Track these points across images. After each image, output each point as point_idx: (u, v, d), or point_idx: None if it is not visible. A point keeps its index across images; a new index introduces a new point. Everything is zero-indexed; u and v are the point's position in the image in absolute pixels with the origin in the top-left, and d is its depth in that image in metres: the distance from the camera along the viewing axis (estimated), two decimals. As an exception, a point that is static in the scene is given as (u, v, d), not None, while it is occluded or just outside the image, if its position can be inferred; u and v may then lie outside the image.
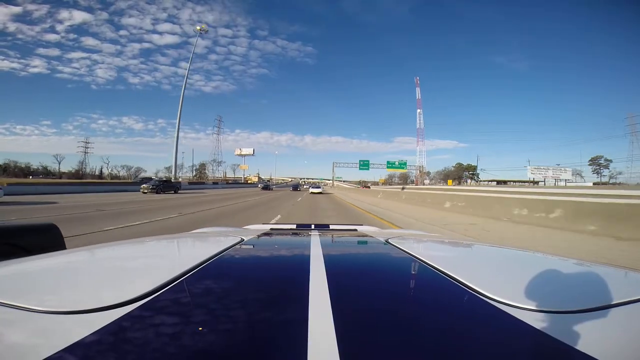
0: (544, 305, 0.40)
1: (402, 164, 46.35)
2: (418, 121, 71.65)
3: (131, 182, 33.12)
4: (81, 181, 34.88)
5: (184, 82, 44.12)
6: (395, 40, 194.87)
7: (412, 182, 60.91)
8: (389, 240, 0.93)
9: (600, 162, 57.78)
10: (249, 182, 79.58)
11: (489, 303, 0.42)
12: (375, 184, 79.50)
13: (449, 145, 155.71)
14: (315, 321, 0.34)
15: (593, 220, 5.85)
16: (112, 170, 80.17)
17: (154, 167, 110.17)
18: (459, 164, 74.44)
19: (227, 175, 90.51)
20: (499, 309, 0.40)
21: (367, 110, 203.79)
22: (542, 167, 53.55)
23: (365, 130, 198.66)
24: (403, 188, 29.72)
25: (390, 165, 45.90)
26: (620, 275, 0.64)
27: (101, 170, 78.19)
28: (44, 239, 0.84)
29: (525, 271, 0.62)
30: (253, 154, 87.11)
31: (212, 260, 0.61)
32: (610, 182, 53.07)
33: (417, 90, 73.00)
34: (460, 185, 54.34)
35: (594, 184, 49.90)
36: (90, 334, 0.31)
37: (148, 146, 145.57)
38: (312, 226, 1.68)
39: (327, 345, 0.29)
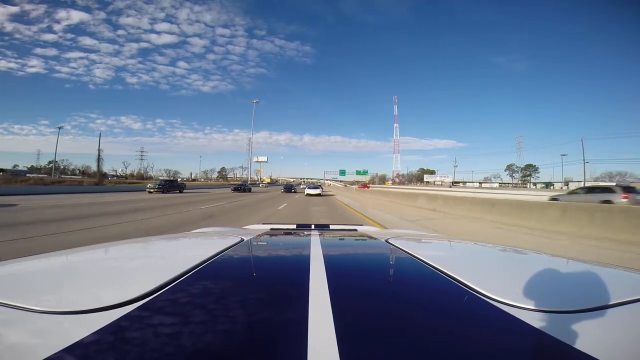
0: (544, 305, 0.41)
1: (365, 172, 73.06)
2: (395, 134, 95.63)
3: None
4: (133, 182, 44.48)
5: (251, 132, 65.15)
6: (393, 40, 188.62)
7: (389, 181, 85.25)
8: (389, 240, 0.93)
9: (513, 168, 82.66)
10: (264, 182, 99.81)
11: (489, 303, 0.42)
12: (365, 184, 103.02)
13: (447, 145, 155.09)
14: (315, 321, 0.34)
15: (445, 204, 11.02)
16: (155, 173, 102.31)
17: (194, 170, 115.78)
18: (421, 169, 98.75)
19: (247, 177, 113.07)
20: (499, 309, 0.40)
21: (366, 109, 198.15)
22: (432, 175, 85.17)
23: (363, 129, 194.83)
24: (369, 187, 53.91)
25: (358, 172, 71.71)
26: (620, 275, 0.64)
27: (138, 173, 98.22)
28: None
29: (525, 271, 0.63)
30: (267, 161, 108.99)
31: (212, 260, 0.61)
32: (519, 184, 77.95)
33: (395, 107, 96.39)
34: (422, 185, 79.27)
35: (499, 185, 75.21)
36: (90, 334, 0.31)
37: (187, 148, 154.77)
38: (312, 226, 1.71)
39: (327, 346, 0.30)
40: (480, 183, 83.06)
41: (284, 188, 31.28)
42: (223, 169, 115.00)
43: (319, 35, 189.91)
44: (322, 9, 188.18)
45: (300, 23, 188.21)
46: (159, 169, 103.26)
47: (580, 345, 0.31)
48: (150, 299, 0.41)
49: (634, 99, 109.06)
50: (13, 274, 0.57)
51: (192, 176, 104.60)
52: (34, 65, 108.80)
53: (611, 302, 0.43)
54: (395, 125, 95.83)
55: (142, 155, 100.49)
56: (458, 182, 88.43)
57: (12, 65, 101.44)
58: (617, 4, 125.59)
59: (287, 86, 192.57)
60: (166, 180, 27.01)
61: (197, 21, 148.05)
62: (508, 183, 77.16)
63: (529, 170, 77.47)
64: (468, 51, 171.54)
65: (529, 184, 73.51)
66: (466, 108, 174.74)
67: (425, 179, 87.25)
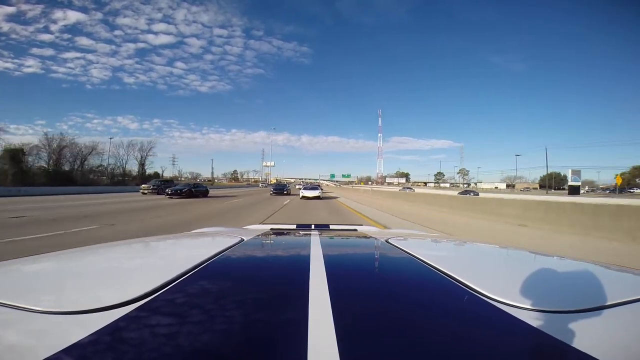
0: (544, 305, 0.41)
1: (348, 175, 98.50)
2: (379, 142, 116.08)
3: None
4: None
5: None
6: (391, 40, 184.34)
7: (373, 182, 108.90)
8: (389, 240, 0.93)
9: (464, 171, 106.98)
10: (271, 182, 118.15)
11: (489, 303, 0.42)
12: (357, 183, 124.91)
13: (444, 145, 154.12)
14: (315, 321, 0.34)
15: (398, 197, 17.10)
16: (182, 176, 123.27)
17: (217, 172, 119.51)
18: (397, 171, 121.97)
19: (258, 178, 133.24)
20: (499, 308, 0.40)
21: (363, 109, 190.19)
22: (398, 178, 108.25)
23: (361, 129, 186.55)
24: (353, 186, 77.99)
25: (343, 175, 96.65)
26: (620, 275, 0.65)
27: (173, 176, 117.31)
28: None
29: (525, 271, 0.62)
30: (274, 165, 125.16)
31: (212, 260, 0.61)
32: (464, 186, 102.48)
33: (379, 119, 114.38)
34: (384, 186, 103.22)
35: (450, 185, 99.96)
36: (90, 335, 0.31)
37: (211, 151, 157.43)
38: (312, 226, 1.71)
39: (327, 346, 0.30)
40: (436, 183, 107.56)
41: (274, 189, 23.94)
42: (235, 171, 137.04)
43: (317, 35, 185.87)
44: (319, 9, 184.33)
45: (298, 24, 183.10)
46: (185, 171, 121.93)
47: (580, 345, 0.32)
48: (150, 300, 0.41)
49: (633, 99, 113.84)
50: (13, 274, 0.57)
51: (211, 177, 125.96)
52: (31, 65, 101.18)
53: (611, 302, 0.43)
54: (379, 134, 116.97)
55: (173, 161, 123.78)
56: (427, 183, 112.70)
57: (8, 65, 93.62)
58: (616, 4, 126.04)
59: (284, 86, 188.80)
60: (162, 181, 24.64)
61: (195, 22, 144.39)
62: (460, 183, 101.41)
63: (440, 176, 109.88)
64: (466, 51, 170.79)
65: (462, 185, 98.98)
66: (463, 108, 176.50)
67: (387, 181, 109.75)
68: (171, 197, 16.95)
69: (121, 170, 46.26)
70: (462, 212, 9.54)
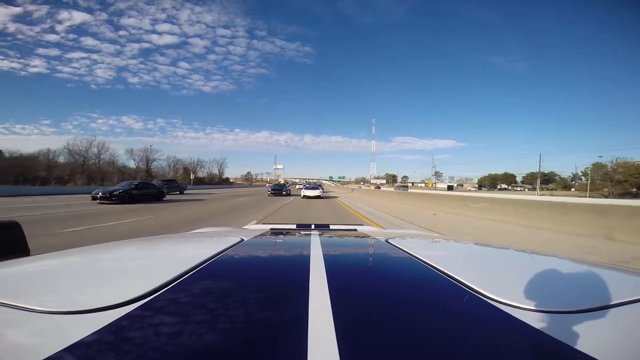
0: (544, 305, 0.41)
1: (343, 177, 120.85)
2: (373, 147, 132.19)
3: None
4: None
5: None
6: (393, 40, 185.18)
7: (367, 182, 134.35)
8: (389, 240, 0.93)
9: (437, 173, 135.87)
10: (279, 183, 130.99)
11: (489, 303, 0.42)
12: (353, 183, 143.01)
13: (447, 145, 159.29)
14: (315, 321, 0.35)
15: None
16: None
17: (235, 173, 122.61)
18: (387, 173, 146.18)
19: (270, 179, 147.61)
20: (499, 309, 0.41)
21: (366, 109, 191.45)
22: (379, 177, 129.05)
23: (364, 129, 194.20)
24: (350, 186, 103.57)
25: (339, 177, 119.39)
26: (620, 275, 0.65)
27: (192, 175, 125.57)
28: (4, 237, 0.79)
29: (525, 271, 0.63)
30: (283, 168, 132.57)
31: (212, 260, 0.61)
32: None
33: (373, 128, 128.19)
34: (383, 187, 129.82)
35: (425, 185, 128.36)
36: (90, 334, 0.31)
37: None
38: (312, 226, 1.71)
39: (327, 346, 0.30)
40: (413, 183, 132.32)
41: (271, 189, 22.51)
42: (249, 172, 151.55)
43: (320, 35, 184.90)
44: (322, 9, 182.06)
45: (301, 24, 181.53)
46: (204, 172, 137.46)
47: (581, 345, 0.32)
48: (150, 299, 0.41)
49: (633, 99, 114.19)
50: (13, 274, 0.57)
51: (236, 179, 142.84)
52: (36, 65, 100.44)
53: (611, 303, 0.43)
54: (372, 141, 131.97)
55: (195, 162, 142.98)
56: (414, 183, 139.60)
57: (14, 65, 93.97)
58: (617, 4, 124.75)
59: (287, 87, 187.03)
60: (165, 180, 24.53)
61: (198, 22, 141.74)
62: (432, 183, 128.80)
63: (405, 179, 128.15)
64: (469, 51, 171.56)
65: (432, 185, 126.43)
66: (467, 108, 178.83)
67: (372, 182, 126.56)
68: (102, 203, 12.08)
69: (207, 175, 72.54)
70: (390, 199, 18.21)
